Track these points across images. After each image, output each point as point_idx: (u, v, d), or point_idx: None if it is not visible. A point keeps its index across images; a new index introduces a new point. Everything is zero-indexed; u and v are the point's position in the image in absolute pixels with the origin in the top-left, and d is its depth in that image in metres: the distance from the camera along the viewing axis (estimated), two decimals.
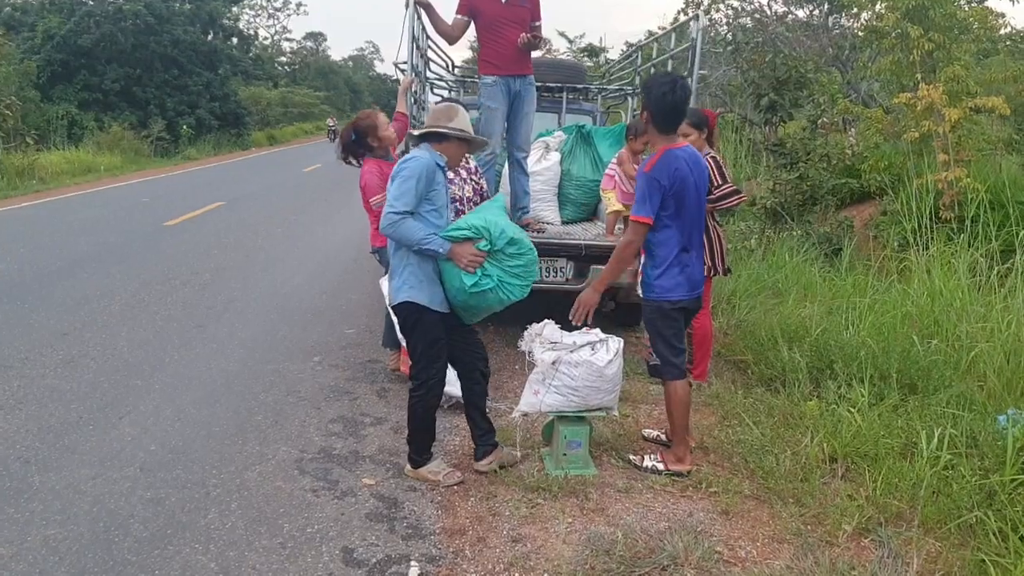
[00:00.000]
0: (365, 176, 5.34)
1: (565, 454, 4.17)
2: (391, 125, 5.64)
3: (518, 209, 6.58)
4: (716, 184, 5.28)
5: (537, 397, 4.10)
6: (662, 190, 4.06)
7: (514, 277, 3.94)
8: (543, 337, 4.22)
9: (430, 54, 7.61)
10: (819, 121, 12.07)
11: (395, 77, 7.18)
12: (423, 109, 7.19)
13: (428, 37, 6.98)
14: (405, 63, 5.89)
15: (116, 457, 4.30)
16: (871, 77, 15.73)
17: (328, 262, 9.76)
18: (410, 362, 4.99)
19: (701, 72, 5.94)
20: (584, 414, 4.19)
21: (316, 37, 71.30)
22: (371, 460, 4.37)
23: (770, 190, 11.45)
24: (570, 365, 4.05)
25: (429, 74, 7.72)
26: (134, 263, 9.35)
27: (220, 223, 12.84)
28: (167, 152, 29.01)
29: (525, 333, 4.40)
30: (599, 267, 5.75)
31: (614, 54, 29.99)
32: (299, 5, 70.70)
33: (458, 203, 5.09)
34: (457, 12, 6.09)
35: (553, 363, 4.06)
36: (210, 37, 35.13)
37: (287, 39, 68.52)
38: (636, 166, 5.87)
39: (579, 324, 4.24)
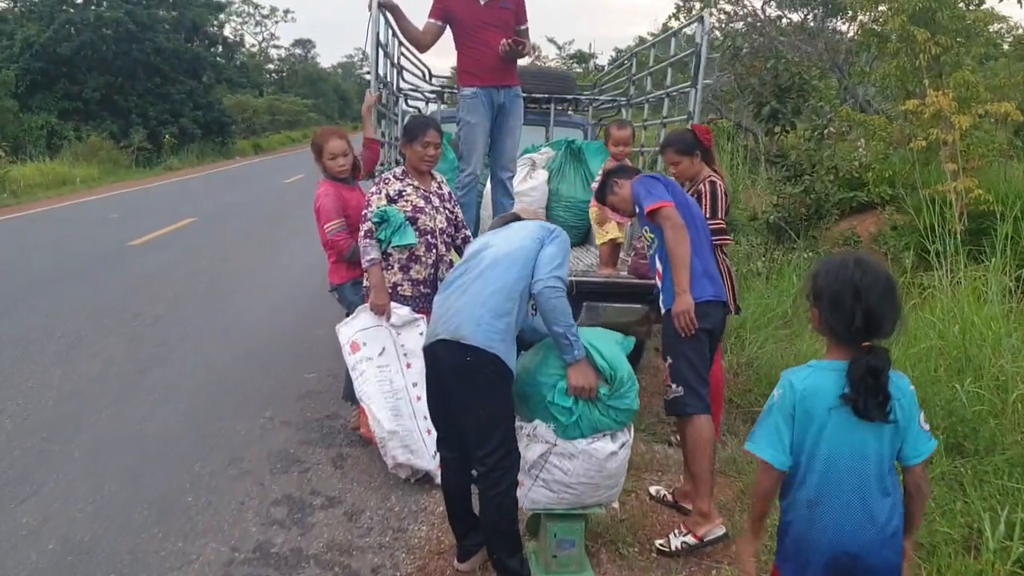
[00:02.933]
0: (320, 199, 4.62)
1: (555, 556, 3.39)
2: (362, 152, 4.93)
3: None
4: (706, 215, 4.58)
5: (521, 490, 3.32)
6: (664, 183, 3.86)
7: (595, 421, 3.32)
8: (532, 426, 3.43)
9: (404, 62, 6.86)
10: (825, 131, 11.34)
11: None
12: (394, 123, 6.43)
13: (400, 43, 6.23)
14: (369, 73, 5.13)
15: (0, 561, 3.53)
16: (874, 82, 15.08)
17: (297, 288, 8.97)
18: (369, 422, 4.28)
19: (706, 82, 5.18)
20: (578, 512, 3.42)
21: (305, 44, 70.50)
22: (316, 562, 3.57)
23: (773, 204, 10.74)
24: (563, 457, 3.28)
25: (403, 84, 6.97)
26: (86, 291, 8.57)
27: (188, 242, 12.05)
28: (149, 162, 28.16)
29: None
30: (594, 304, 5.01)
31: (603, 60, 29.37)
32: (287, 12, 70.49)
33: (429, 236, 4.34)
34: (430, 16, 5.35)
35: (541, 455, 3.29)
36: (194, 44, 34.27)
37: (275, 46, 67.77)
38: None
39: None
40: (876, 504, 2.26)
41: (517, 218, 3.65)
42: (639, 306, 5.10)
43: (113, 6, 29.46)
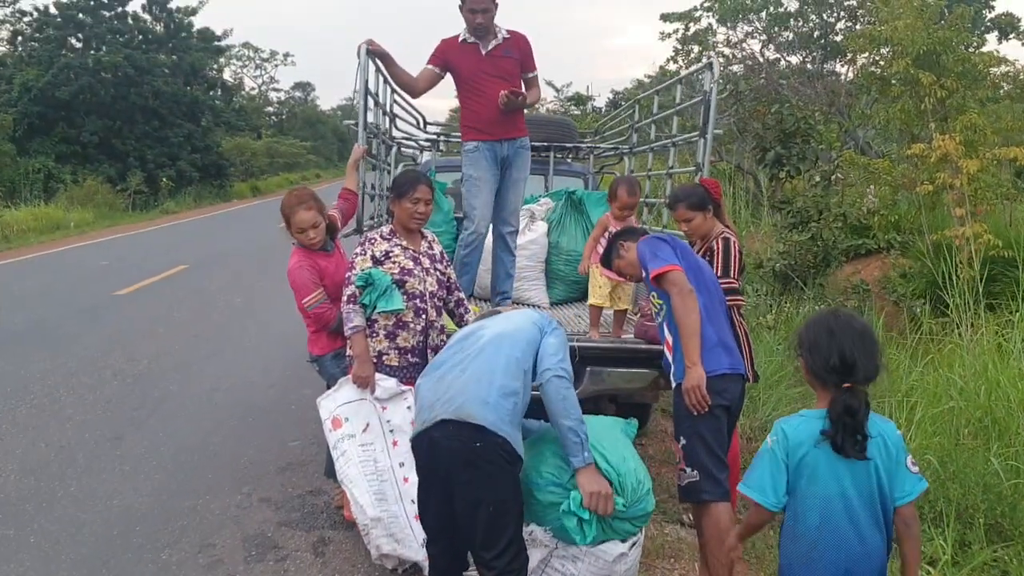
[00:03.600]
0: (293, 272, 4.24)
1: None
2: (332, 208, 4.57)
3: (498, 294, 5.49)
4: (717, 273, 4.25)
5: None
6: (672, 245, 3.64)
7: (608, 531, 3.04)
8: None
9: (396, 109, 6.57)
10: (833, 176, 11.05)
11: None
12: (387, 173, 6.12)
13: (393, 91, 5.95)
14: (355, 124, 4.82)
15: None
16: (876, 125, 14.85)
17: (286, 341, 8.56)
18: (351, 509, 3.89)
19: (716, 131, 4.87)
20: None
21: (304, 87, 70.96)
22: None
23: (779, 252, 10.43)
24: (566, 560, 2.91)
25: (396, 132, 6.68)
26: (65, 347, 8.20)
27: (177, 292, 11.71)
28: (146, 205, 28.01)
29: None
30: (599, 369, 4.65)
31: (601, 102, 29.25)
32: (286, 55, 70.43)
33: (418, 300, 3.99)
34: (429, 62, 5.09)
35: (541, 560, 2.92)
36: (192, 88, 34.27)
37: (274, 89, 68.05)
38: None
39: None
40: (871, 540, 2.43)
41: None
42: (647, 371, 4.74)
43: (112, 50, 29.51)
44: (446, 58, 5.07)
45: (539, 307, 5.87)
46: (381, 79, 5.27)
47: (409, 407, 3.87)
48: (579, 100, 27.88)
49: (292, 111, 66.65)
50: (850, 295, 9.93)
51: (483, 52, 5.03)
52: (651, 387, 4.84)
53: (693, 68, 7.84)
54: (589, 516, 2.85)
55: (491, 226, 5.43)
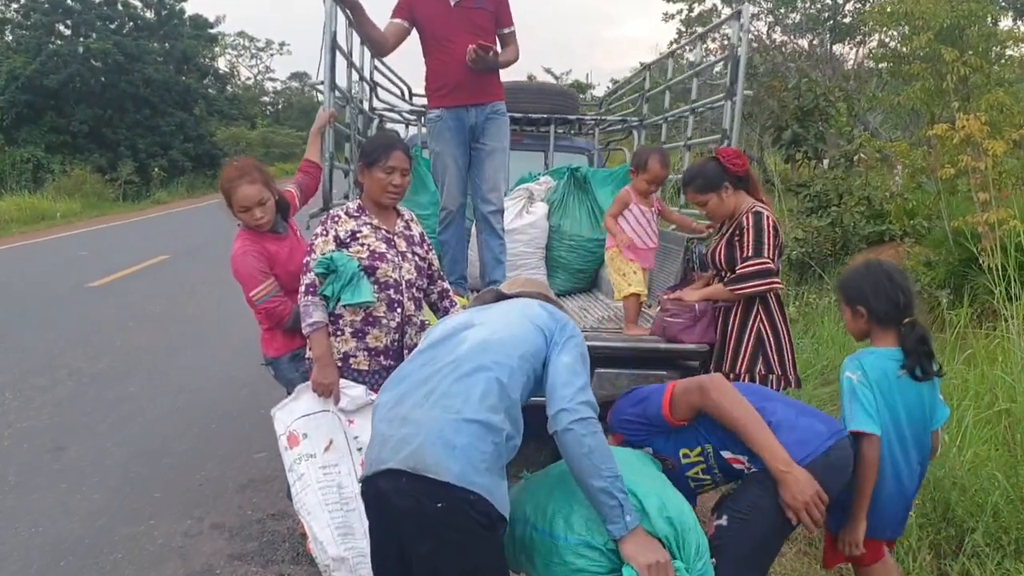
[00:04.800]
0: (236, 260, 3.52)
1: None
2: (289, 187, 3.86)
3: (491, 284, 4.78)
4: (744, 254, 3.55)
5: None
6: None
7: None
8: None
9: (378, 77, 5.86)
10: (855, 157, 10.32)
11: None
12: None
13: (374, 56, 5.24)
14: (322, 84, 4.11)
15: None
16: (886, 109, 14.16)
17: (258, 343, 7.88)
18: (310, 545, 3.20)
19: (746, 92, 4.16)
20: None
21: (300, 77, 69.91)
22: None
23: (795, 239, 9.73)
24: None
25: (377, 103, 5.97)
26: (24, 342, 7.51)
27: (154, 283, 11.01)
28: (138, 196, 27.33)
29: None
30: (609, 372, 3.96)
31: (600, 91, 28.53)
32: (282, 45, 69.46)
33: (392, 291, 3.29)
34: (393, 15, 4.38)
35: None
36: (185, 76, 33.51)
37: (270, 79, 67.14)
38: (644, 208, 4.15)
39: None
40: (916, 461, 2.69)
41: (504, 296, 2.67)
42: (665, 373, 4.05)
43: (101, 37, 28.79)
44: (412, 9, 4.36)
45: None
46: (358, 40, 4.59)
47: None
48: (579, 88, 27.20)
49: (288, 101, 65.74)
50: None
51: (451, 3, 4.32)
52: None
53: (718, 22, 7.10)
54: None
55: (473, 208, 4.76)
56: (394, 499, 2.04)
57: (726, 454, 2.44)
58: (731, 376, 3.65)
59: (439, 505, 1.97)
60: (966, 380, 6.04)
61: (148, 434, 5.27)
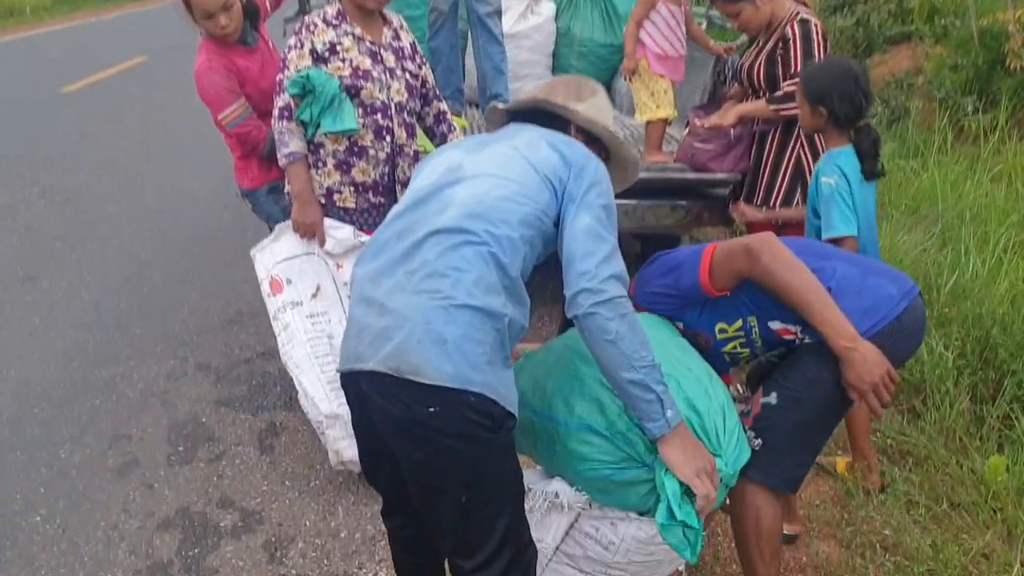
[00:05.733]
0: (201, 77, 3.03)
1: None
2: None
3: (492, 98, 4.27)
4: (792, 70, 3.10)
5: None
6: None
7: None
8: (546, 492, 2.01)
9: None
10: None
11: None
12: None
13: None
14: None
15: None
16: None
17: None
18: (301, 401, 2.93)
19: None
20: None
21: None
22: None
23: None
24: (601, 522, 1.91)
25: None
26: None
27: (131, 88, 10.33)
28: None
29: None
30: (627, 203, 3.55)
31: None
32: None
33: (380, 115, 2.81)
34: None
35: (564, 531, 1.94)
36: None
37: None
38: (673, 8, 3.61)
39: None
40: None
41: (514, 116, 2.09)
42: (688, 203, 3.67)
43: None
44: None
45: None
46: None
47: None
48: None
49: None
50: (892, 89, 8.67)
51: None
52: (692, 221, 3.80)
53: None
54: (699, 522, 1.73)
55: (467, 9, 4.16)
56: (378, 402, 1.67)
57: (775, 325, 2.06)
58: (764, 208, 3.28)
59: (431, 410, 1.60)
60: (994, 198, 5.66)
61: (126, 261, 4.92)
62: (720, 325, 2.14)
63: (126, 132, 8.04)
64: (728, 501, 2.13)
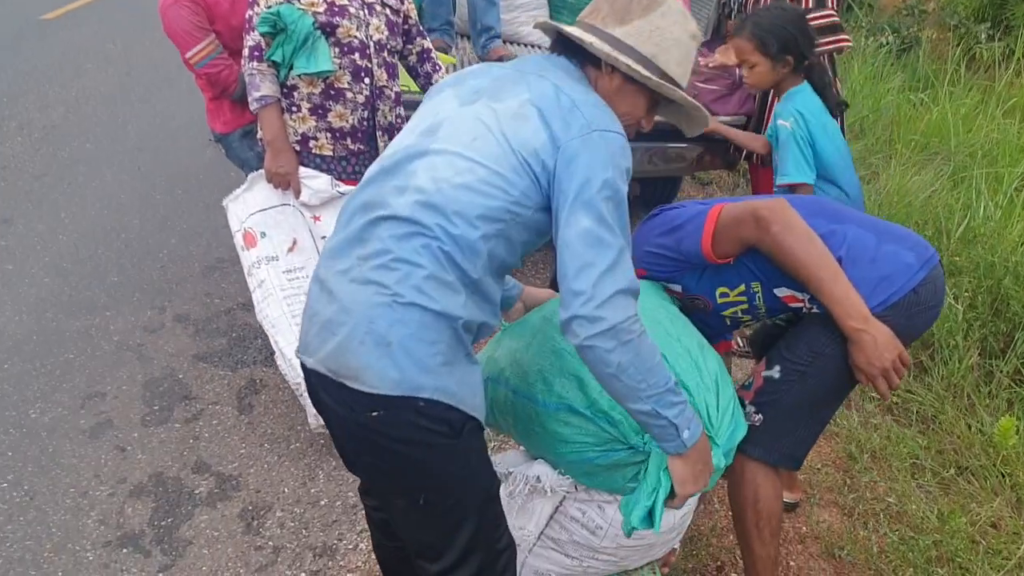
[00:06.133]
0: (166, 13, 2.81)
1: None
2: None
3: (483, 32, 4.04)
4: (804, 6, 2.91)
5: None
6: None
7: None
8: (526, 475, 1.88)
9: None
10: None
11: None
12: None
13: None
14: None
15: None
16: None
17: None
18: (277, 360, 2.79)
19: None
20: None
21: None
22: None
23: None
24: (588, 504, 1.79)
25: None
26: None
27: (115, 15, 9.91)
28: None
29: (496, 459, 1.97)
30: (632, 146, 3.34)
31: None
32: None
33: (358, 55, 2.60)
34: None
35: (548, 516, 1.82)
36: None
37: None
38: None
39: None
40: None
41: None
42: (690, 145, 3.49)
43: None
44: None
45: (541, 50, 4.42)
46: None
47: None
48: None
49: None
50: (903, 16, 8.36)
51: None
52: (694, 164, 3.61)
53: None
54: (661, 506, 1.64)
55: None
56: (324, 399, 1.53)
57: (781, 292, 1.90)
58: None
59: (374, 414, 1.43)
60: (1007, 134, 5.46)
61: (105, 203, 4.73)
62: (721, 289, 1.98)
63: (106, 64, 7.74)
64: (729, 480, 2.01)
